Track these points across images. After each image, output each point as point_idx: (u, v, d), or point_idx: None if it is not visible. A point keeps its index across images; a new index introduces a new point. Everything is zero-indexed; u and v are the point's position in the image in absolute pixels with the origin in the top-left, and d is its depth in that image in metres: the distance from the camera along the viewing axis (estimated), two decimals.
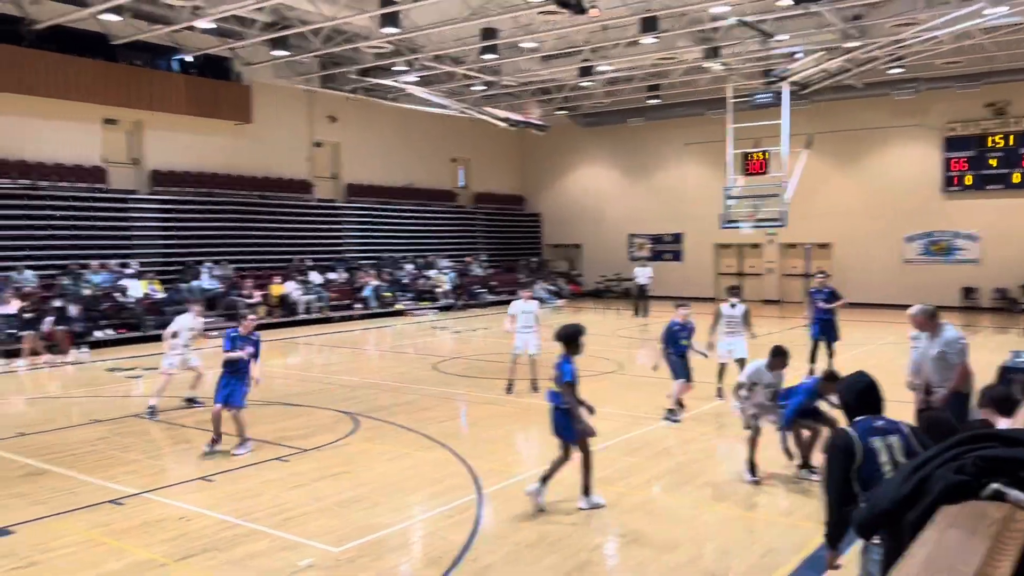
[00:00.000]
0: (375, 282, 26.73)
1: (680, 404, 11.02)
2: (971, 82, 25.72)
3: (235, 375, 9.50)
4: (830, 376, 7.87)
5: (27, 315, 17.96)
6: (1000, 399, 4.63)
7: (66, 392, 14.29)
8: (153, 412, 11.43)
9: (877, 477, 4.08)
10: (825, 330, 14.27)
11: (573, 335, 7.44)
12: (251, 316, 10.28)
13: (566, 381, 7.22)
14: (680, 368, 11.08)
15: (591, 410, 7.46)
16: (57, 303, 19.01)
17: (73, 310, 18.90)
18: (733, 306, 12.15)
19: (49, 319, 18.20)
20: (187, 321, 12.09)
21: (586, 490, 7.38)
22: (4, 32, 19.68)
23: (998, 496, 1.15)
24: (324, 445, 9.76)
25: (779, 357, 8.28)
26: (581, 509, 7.31)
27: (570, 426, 7.24)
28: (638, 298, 26.60)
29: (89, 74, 21.24)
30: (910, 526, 1.19)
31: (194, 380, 12.25)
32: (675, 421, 10.77)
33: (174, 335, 11.94)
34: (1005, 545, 1.03)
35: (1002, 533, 1.07)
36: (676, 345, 11.14)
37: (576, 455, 7.37)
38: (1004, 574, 0.96)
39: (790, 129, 20.60)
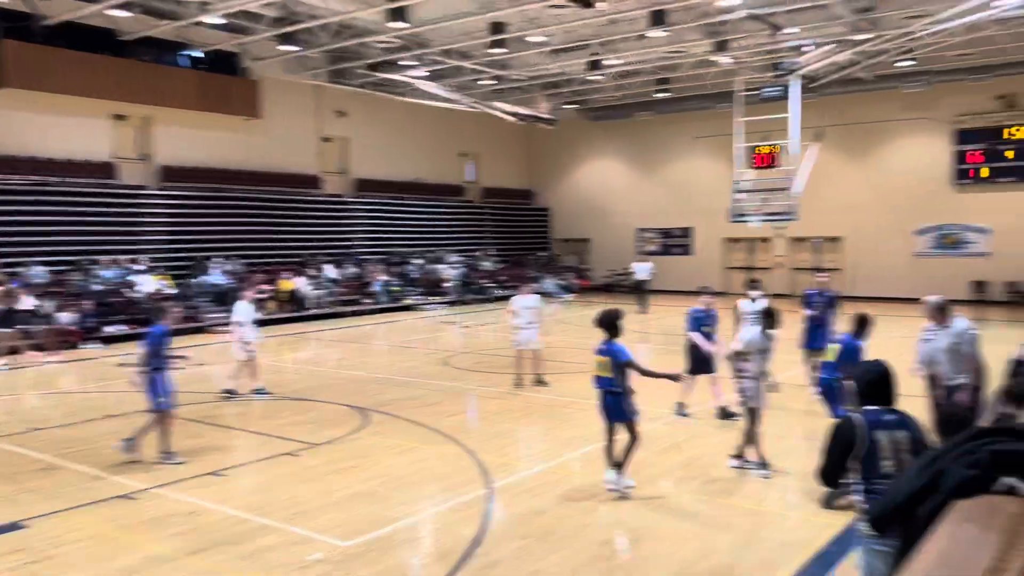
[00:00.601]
0: (384, 277, 26.78)
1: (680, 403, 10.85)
2: (982, 74, 25.55)
3: (164, 373, 8.91)
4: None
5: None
6: (1017, 394, 4.62)
7: (78, 387, 14.37)
8: (232, 394, 12.24)
9: (876, 469, 4.14)
10: (815, 339, 11.83)
11: (613, 320, 7.60)
12: (175, 309, 10.04)
13: (627, 360, 7.40)
14: (698, 361, 10.72)
15: (674, 378, 7.82)
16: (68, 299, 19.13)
17: (85, 305, 18.98)
18: (754, 300, 11.43)
19: (63, 315, 18.31)
20: (244, 308, 12.52)
21: (619, 466, 7.52)
22: (15, 28, 19.77)
23: (1011, 491, 1.14)
24: (334, 439, 9.80)
25: (770, 317, 8.34)
26: (609, 487, 7.46)
27: (621, 407, 7.43)
28: (638, 293, 26.50)
29: (98, 70, 21.31)
30: (923, 520, 1.18)
31: (240, 369, 12.51)
32: (684, 415, 10.75)
33: (239, 324, 12.41)
34: (1018, 540, 1.03)
35: (1015, 528, 1.06)
36: (701, 333, 10.70)
37: (623, 435, 7.51)
38: (1018, 569, 0.96)
39: (800, 122, 20.51)
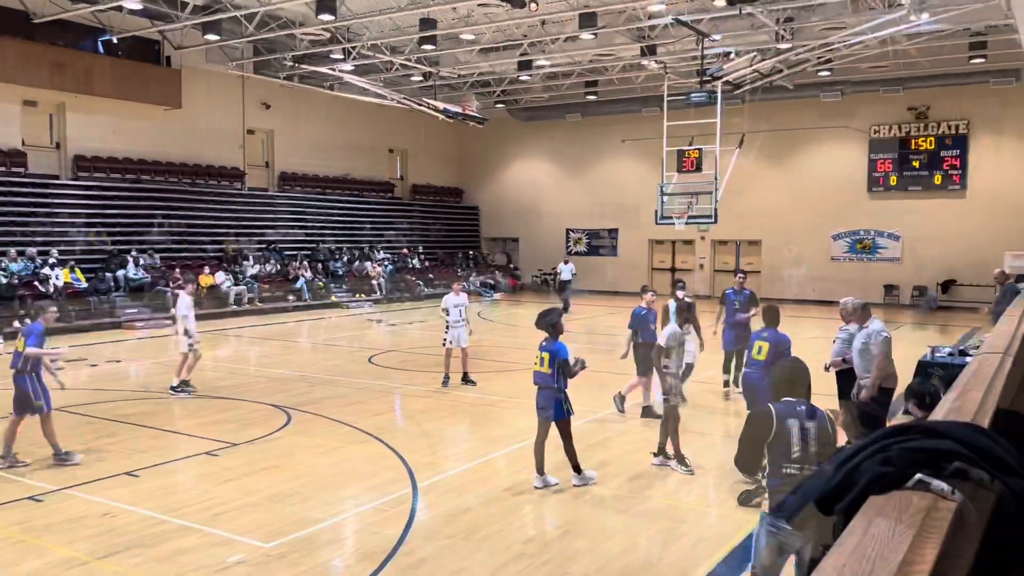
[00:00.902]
0: (308, 273, 26.35)
1: (623, 396, 11.06)
2: (894, 86, 26.66)
3: (38, 375, 8.63)
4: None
5: None
6: (920, 394, 4.95)
7: None
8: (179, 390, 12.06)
9: (788, 454, 4.56)
10: (740, 338, 12.00)
11: (554, 320, 7.89)
12: (52, 309, 9.67)
13: (564, 359, 7.67)
14: (645, 361, 10.49)
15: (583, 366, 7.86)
16: None
17: None
18: (680, 299, 10.64)
19: None
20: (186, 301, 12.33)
21: (577, 468, 7.77)
22: None
23: (922, 486, 1.19)
24: (255, 439, 9.59)
25: (686, 312, 8.95)
26: (576, 486, 7.67)
27: (561, 406, 7.65)
28: (560, 292, 26.72)
29: (8, 53, 20.33)
30: (841, 515, 1.23)
31: (191, 364, 12.16)
32: (622, 411, 10.89)
33: (184, 316, 12.24)
34: (929, 533, 1.08)
35: (926, 522, 1.11)
36: (646, 332, 10.75)
37: (555, 431, 7.74)
38: (929, 560, 1.00)
39: (723, 128, 21.02)
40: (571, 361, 7.72)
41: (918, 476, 1.19)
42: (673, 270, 32.05)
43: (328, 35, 22.38)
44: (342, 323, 22.90)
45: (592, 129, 33.02)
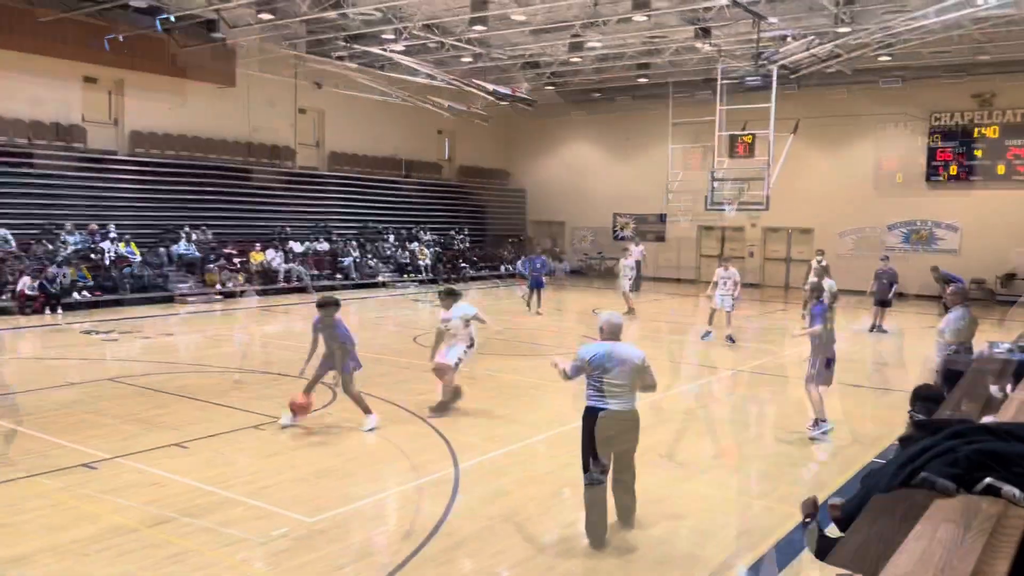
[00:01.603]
0: (356, 253, 26.58)
1: None
2: (958, 72, 25.79)
3: None
4: None
5: None
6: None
7: (41, 354, 14.12)
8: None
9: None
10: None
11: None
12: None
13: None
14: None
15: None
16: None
17: (51, 272, 18.63)
18: (726, 269, 16.18)
19: (25, 279, 17.97)
20: None
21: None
22: None
23: (991, 491, 1.12)
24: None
25: (448, 296, 10.22)
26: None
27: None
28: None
29: (70, 31, 20.76)
30: (900, 517, 1.17)
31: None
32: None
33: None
34: (1000, 542, 1.01)
35: (997, 529, 1.04)
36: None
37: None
38: (1000, 573, 0.93)
39: (777, 113, 20.58)
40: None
41: (988, 480, 1.12)
42: (721, 257, 31.56)
43: (380, 15, 22.40)
44: (388, 302, 23.08)
45: (643, 112, 32.60)
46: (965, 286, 9.51)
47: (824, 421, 9.09)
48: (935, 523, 1.09)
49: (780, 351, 15.38)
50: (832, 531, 3.40)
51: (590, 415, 6.02)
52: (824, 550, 3.43)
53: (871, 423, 9.78)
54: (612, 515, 6.25)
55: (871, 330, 18.49)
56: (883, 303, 18.55)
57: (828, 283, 13.27)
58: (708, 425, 9.95)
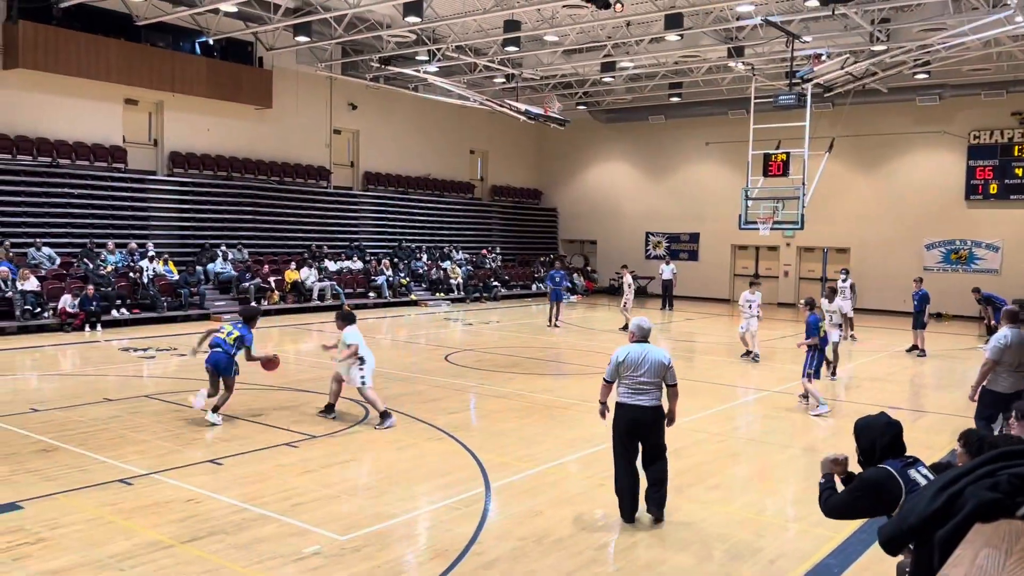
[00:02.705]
0: (389, 271, 26.76)
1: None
2: (997, 90, 25.44)
3: None
4: None
5: None
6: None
7: (79, 370, 14.38)
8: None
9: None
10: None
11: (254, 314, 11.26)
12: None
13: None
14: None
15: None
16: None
17: (90, 289, 19.02)
18: (752, 293, 16.51)
19: (66, 297, 18.35)
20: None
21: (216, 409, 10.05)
22: (31, 9, 19.81)
23: None
24: (334, 432, 9.77)
25: (343, 320, 10.30)
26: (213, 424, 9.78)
27: (231, 365, 10.20)
28: (663, 294, 27.99)
29: (113, 54, 21.33)
30: (940, 543, 1.15)
31: None
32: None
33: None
34: None
35: None
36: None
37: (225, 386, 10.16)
38: None
39: (812, 132, 20.43)
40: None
41: None
42: (756, 276, 31.37)
43: (414, 37, 22.69)
44: (420, 321, 23.18)
45: (675, 131, 32.59)
46: (1007, 307, 9.25)
47: (822, 404, 11.48)
48: (975, 548, 1.07)
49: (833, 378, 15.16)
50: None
51: (621, 409, 6.91)
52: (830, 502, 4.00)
53: (908, 447, 9.62)
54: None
55: (909, 351, 18.21)
56: (916, 324, 18.26)
57: (839, 303, 14.78)
58: (742, 447, 9.84)
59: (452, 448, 9.14)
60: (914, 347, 18.21)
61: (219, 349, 10.23)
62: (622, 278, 22.07)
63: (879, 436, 4.10)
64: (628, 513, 6.90)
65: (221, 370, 10.14)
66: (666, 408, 7.03)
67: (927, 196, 27.79)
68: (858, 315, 21.72)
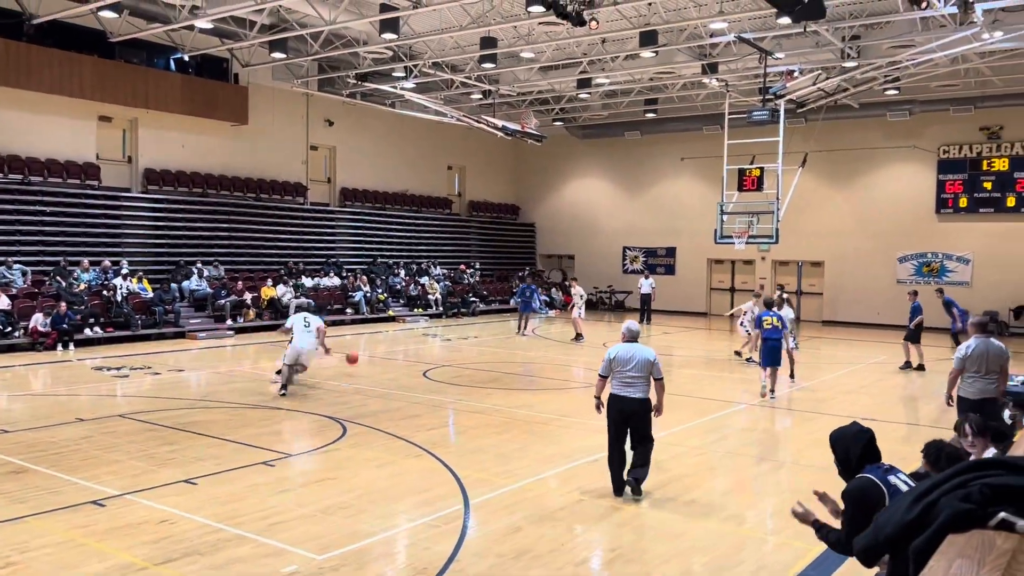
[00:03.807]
0: (367, 288, 26.66)
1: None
2: (965, 105, 25.90)
3: None
4: None
5: None
6: (993, 429, 4.62)
7: (51, 390, 14.16)
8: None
9: None
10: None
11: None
12: None
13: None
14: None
15: None
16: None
17: (62, 307, 18.76)
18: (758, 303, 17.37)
19: (38, 315, 18.08)
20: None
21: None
22: (2, 26, 19.62)
23: (1006, 526, 1.11)
24: (311, 450, 9.68)
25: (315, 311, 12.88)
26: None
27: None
28: (641, 308, 28.19)
29: (86, 71, 21.16)
30: (914, 554, 1.15)
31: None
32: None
33: None
34: None
35: (1011, 565, 1.03)
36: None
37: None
38: None
39: (785, 147, 20.67)
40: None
41: (1002, 515, 1.11)
42: (732, 290, 31.62)
43: (390, 53, 22.74)
44: (398, 337, 23.09)
45: (651, 147, 32.85)
46: (975, 318, 9.40)
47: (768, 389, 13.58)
48: (948, 559, 1.08)
49: (793, 382, 15.27)
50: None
51: (612, 400, 7.94)
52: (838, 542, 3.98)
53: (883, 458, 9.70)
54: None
55: (903, 368, 17.61)
56: (910, 337, 17.74)
57: (786, 310, 16.38)
58: (721, 459, 9.86)
59: (431, 465, 9.09)
60: (907, 364, 17.64)
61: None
62: (570, 288, 23.09)
63: (852, 444, 4.19)
64: (616, 487, 7.97)
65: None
66: (654, 400, 8.02)
67: (899, 210, 28.17)
68: (831, 327, 21.87)
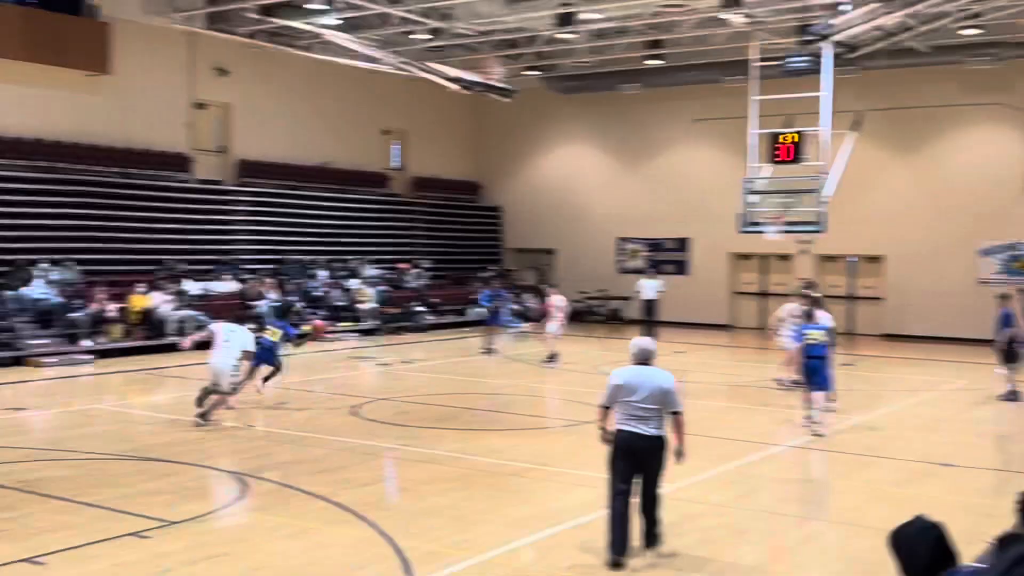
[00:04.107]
0: (274, 294, 26.50)
1: None
2: None
3: None
4: None
5: None
6: None
7: None
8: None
9: None
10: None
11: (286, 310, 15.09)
12: None
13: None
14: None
15: None
16: None
17: None
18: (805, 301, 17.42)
19: None
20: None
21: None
22: None
23: None
24: (199, 516, 9.60)
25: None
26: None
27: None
28: (646, 316, 28.98)
29: None
30: None
31: None
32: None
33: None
34: None
35: None
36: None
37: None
38: None
39: (833, 104, 20.90)
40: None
41: None
42: (764, 295, 31.83)
43: None
44: (318, 361, 22.99)
45: (654, 104, 33.05)
46: None
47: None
48: None
49: (839, 418, 15.41)
50: None
51: (618, 435, 8.05)
52: None
53: (963, 513, 9.81)
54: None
55: (1005, 398, 17.27)
56: (1005, 355, 17.35)
57: (823, 315, 15.69)
58: (752, 520, 9.92)
59: (362, 534, 9.06)
60: (1012, 393, 17.12)
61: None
62: (548, 298, 23.59)
63: (917, 546, 4.08)
64: (616, 548, 7.84)
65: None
66: (672, 439, 8.15)
67: (981, 186, 28.55)
68: (894, 343, 22.14)
